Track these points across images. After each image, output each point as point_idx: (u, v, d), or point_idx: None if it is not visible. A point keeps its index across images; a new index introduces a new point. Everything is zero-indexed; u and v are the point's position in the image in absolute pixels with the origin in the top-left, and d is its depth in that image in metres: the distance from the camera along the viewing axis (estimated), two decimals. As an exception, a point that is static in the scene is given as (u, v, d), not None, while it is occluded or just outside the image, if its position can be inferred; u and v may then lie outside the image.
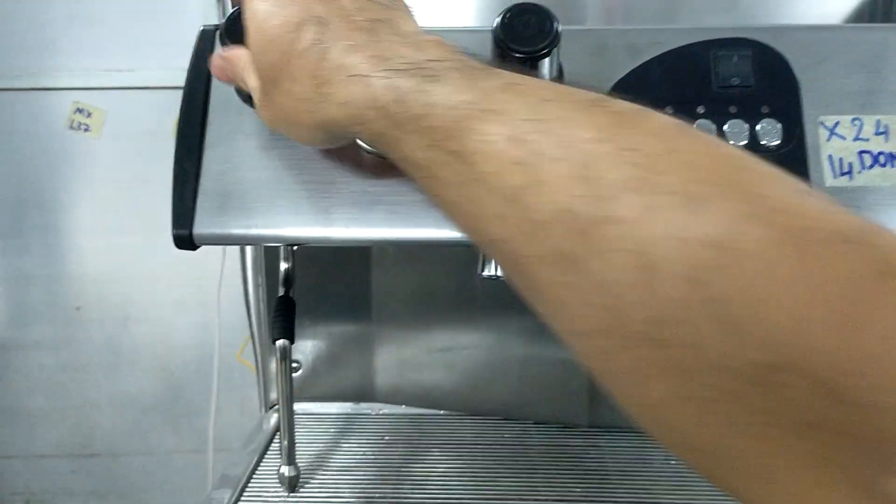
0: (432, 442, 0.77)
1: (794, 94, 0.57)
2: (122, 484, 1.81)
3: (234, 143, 0.57)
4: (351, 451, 0.76)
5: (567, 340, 0.33)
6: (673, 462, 0.73)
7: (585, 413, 0.79)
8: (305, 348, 0.83)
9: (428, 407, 0.82)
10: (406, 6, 0.47)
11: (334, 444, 0.77)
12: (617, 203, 0.30)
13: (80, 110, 1.57)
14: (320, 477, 0.72)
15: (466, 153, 0.36)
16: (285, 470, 0.68)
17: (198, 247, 0.58)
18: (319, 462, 0.74)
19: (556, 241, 0.32)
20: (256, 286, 0.79)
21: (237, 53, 0.51)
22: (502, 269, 0.37)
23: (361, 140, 0.50)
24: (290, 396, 0.66)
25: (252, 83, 0.50)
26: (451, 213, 0.38)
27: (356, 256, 0.80)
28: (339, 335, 0.83)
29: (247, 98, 0.58)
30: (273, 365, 0.78)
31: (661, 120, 0.33)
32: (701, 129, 0.35)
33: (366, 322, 0.82)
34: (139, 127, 1.48)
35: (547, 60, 0.54)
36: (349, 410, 0.83)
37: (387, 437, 0.78)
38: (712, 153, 0.31)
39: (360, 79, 0.41)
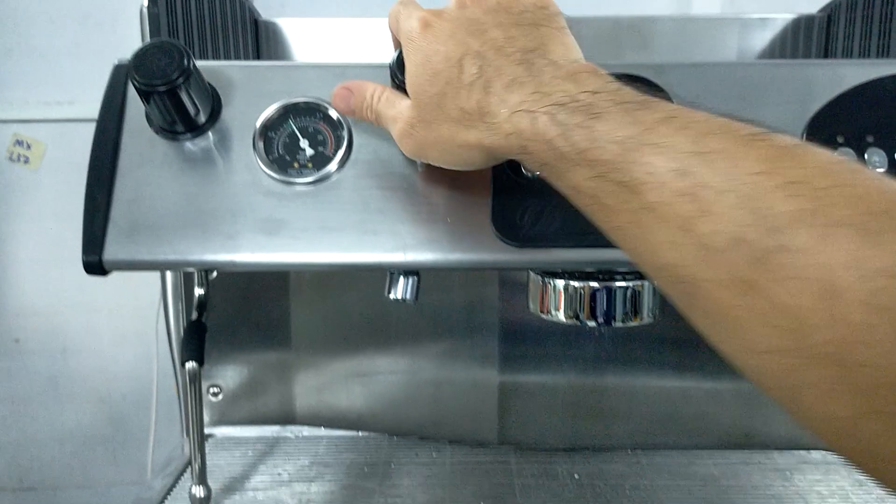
0: (350, 462, 0.79)
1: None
2: (61, 518, 1.78)
3: (144, 174, 0.60)
4: (268, 473, 0.77)
5: (741, 359, 0.36)
6: (577, 476, 0.76)
7: (495, 432, 0.82)
8: (226, 374, 0.85)
9: (347, 428, 0.85)
10: (550, 17, 0.50)
11: (252, 467, 0.79)
12: (791, 234, 0.32)
13: (19, 142, 1.58)
14: (235, 498, 0.73)
15: (633, 184, 0.38)
16: (196, 490, 0.69)
17: (108, 272, 0.59)
18: (236, 484, 0.76)
19: (733, 268, 0.34)
20: (177, 312, 0.80)
21: (364, 86, 0.56)
22: (670, 293, 0.39)
23: (525, 166, 0.54)
24: (201, 418, 0.67)
25: (391, 114, 0.54)
26: (620, 239, 0.41)
27: (275, 284, 0.82)
28: (259, 361, 0.85)
29: (159, 129, 0.61)
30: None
31: (824, 154, 0.35)
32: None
33: (285, 348, 0.84)
34: (78, 159, 1.48)
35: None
36: (270, 434, 0.85)
37: (305, 459, 0.80)
38: (880, 187, 0.33)
39: (525, 114, 0.44)
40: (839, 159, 0.35)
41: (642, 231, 0.39)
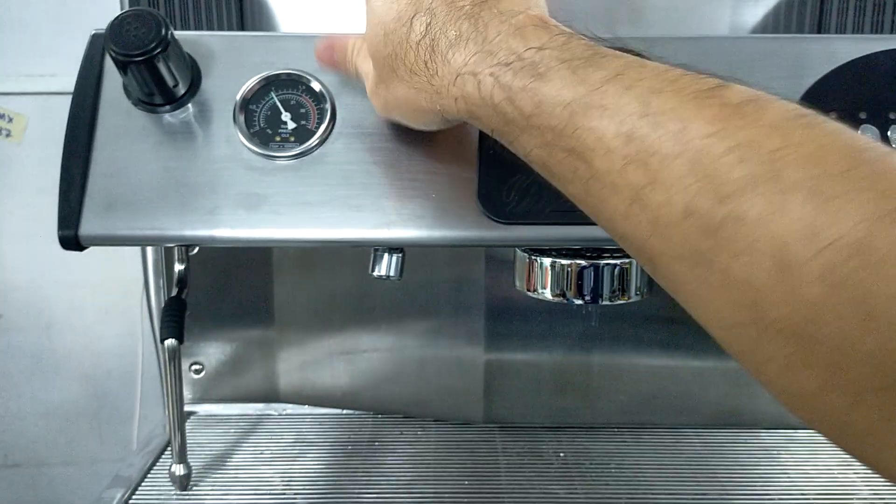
0: (333, 440, 0.78)
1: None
2: (46, 494, 1.78)
3: (121, 147, 0.58)
4: (250, 451, 0.77)
5: (709, 331, 0.34)
6: (563, 454, 0.75)
7: (480, 410, 0.81)
8: (209, 351, 0.84)
9: (331, 406, 0.84)
10: None
11: (234, 444, 0.78)
12: (742, 202, 0.30)
13: (0, 115, 1.55)
14: (216, 476, 0.72)
15: (581, 151, 0.36)
16: (176, 469, 0.68)
17: (84, 247, 0.58)
18: (218, 462, 0.75)
19: (687, 241, 0.32)
20: (158, 289, 0.79)
21: (345, 40, 0.55)
22: (639, 262, 0.37)
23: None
24: (180, 396, 0.66)
25: (365, 69, 0.52)
26: (581, 207, 0.39)
27: (258, 260, 0.81)
28: (242, 338, 0.84)
29: (137, 102, 0.59)
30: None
31: (780, 110, 0.32)
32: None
33: (269, 325, 0.83)
34: (60, 132, 1.47)
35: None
36: (253, 411, 0.84)
37: (289, 437, 0.79)
38: (839, 144, 0.30)
39: (470, 76, 0.41)
40: (795, 113, 0.32)
41: (595, 201, 0.37)
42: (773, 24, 0.98)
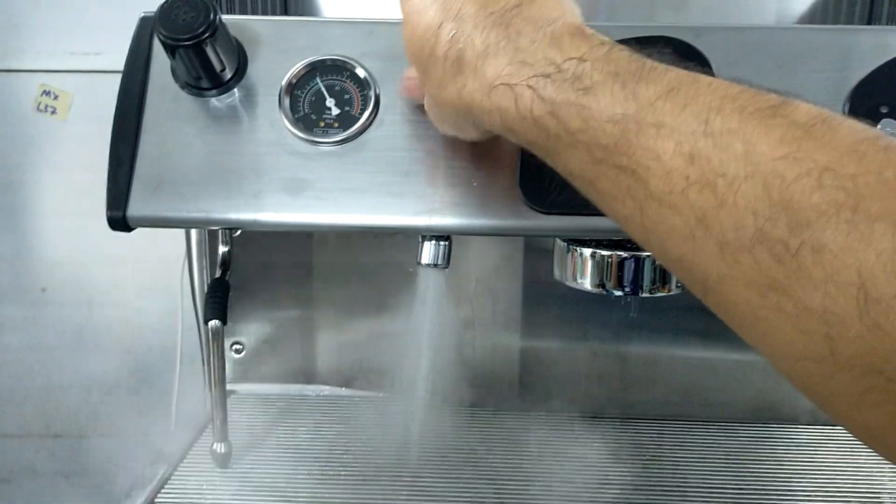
0: (371, 422, 0.79)
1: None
2: (86, 465, 1.82)
3: (169, 129, 0.59)
4: (289, 431, 0.78)
5: (775, 362, 0.33)
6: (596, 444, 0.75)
7: (516, 397, 0.82)
8: (250, 331, 0.85)
9: (368, 389, 0.85)
10: None
11: (273, 424, 0.79)
12: (823, 231, 0.29)
13: (46, 93, 1.58)
14: (254, 455, 0.74)
15: (636, 169, 0.34)
16: (217, 447, 0.70)
17: (132, 228, 0.59)
18: (257, 441, 0.76)
19: (758, 267, 0.30)
20: (201, 269, 0.80)
21: (409, 72, 0.53)
22: (687, 285, 0.35)
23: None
24: (223, 376, 0.67)
25: (418, 92, 0.51)
26: (626, 227, 0.37)
27: (299, 242, 0.82)
28: (282, 319, 0.85)
29: (185, 85, 0.60)
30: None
31: (852, 130, 0.31)
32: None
33: (309, 307, 0.84)
34: (105, 110, 1.48)
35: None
36: (291, 392, 0.85)
37: (326, 418, 0.80)
38: None
39: (505, 88, 0.39)
40: (869, 136, 0.30)
41: (650, 222, 0.35)
42: (822, 14, 0.96)
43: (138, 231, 0.60)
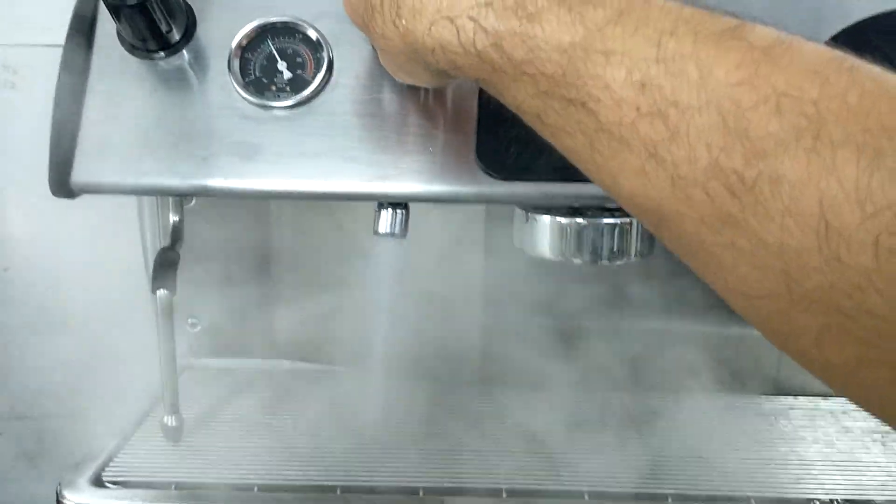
0: (331, 397, 0.78)
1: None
2: (51, 445, 1.79)
3: (115, 93, 0.57)
4: (245, 405, 0.76)
5: (730, 300, 0.31)
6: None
7: (477, 370, 0.81)
8: (205, 305, 0.83)
9: (326, 363, 0.83)
10: None
11: (229, 399, 0.78)
12: (781, 160, 0.27)
13: (5, 66, 1.54)
14: (209, 428, 0.72)
15: (586, 101, 0.32)
16: (168, 420, 0.68)
17: (76, 195, 0.57)
18: (211, 415, 0.75)
19: (712, 201, 0.29)
20: (154, 239, 0.79)
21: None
22: (642, 221, 0.34)
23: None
24: (172, 347, 0.66)
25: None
26: (577, 161, 0.36)
27: (256, 213, 0.80)
28: (239, 292, 0.83)
29: (131, 48, 0.58)
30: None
31: (814, 53, 0.29)
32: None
33: (266, 280, 0.83)
34: (65, 84, 1.45)
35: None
36: (249, 366, 0.84)
37: (284, 393, 0.79)
38: (887, 93, 0.27)
39: (446, 22, 0.37)
40: (832, 56, 0.28)
41: (601, 156, 0.33)
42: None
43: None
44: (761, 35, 0.30)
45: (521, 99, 0.36)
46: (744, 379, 0.83)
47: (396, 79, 0.50)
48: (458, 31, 0.36)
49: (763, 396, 0.82)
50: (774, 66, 0.29)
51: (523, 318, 0.81)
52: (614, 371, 0.80)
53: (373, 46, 0.52)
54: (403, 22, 0.39)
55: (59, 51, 1.66)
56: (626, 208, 0.35)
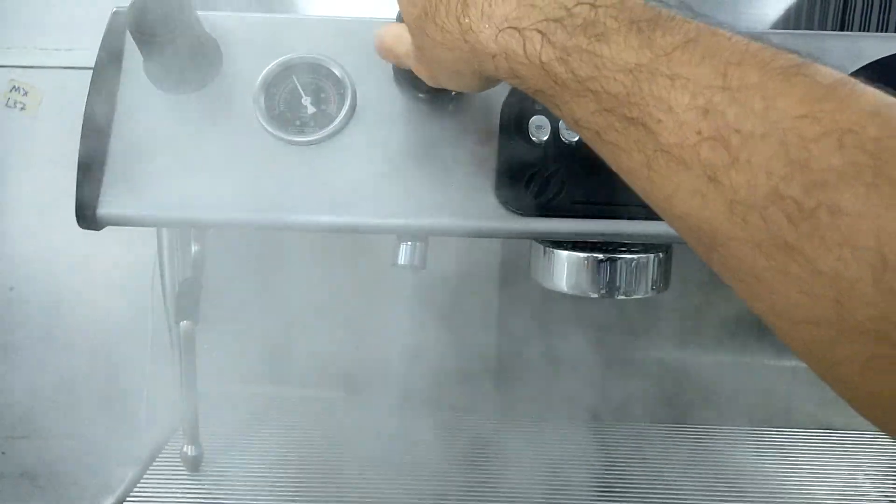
0: (347, 425, 0.78)
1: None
2: (55, 466, 1.78)
3: (141, 127, 0.58)
4: (262, 434, 0.77)
5: (775, 324, 0.32)
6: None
7: (492, 401, 0.81)
8: (224, 332, 0.84)
9: (344, 392, 0.84)
10: None
11: (246, 427, 0.78)
12: (839, 192, 0.28)
13: (15, 88, 1.55)
14: (226, 458, 0.72)
15: (647, 122, 0.33)
16: (188, 449, 0.69)
17: (102, 227, 0.58)
18: (229, 444, 0.75)
19: (769, 227, 0.30)
20: (172, 269, 0.79)
21: (384, 29, 0.51)
22: (689, 242, 0.35)
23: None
24: (194, 378, 0.66)
25: (399, 49, 0.49)
26: (631, 180, 0.36)
27: (274, 240, 0.81)
28: (256, 320, 0.84)
29: (158, 82, 0.59)
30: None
31: (876, 95, 0.30)
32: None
33: (284, 307, 0.83)
34: (75, 107, 1.46)
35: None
36: (265, 393, 0.84)
37: (300, 421, 0.79)
38: None
39: (513, 32, 0.38)
40: (894, 101, 0.29)
41: (658, 176, 0.34)
42: (795, 19, 0.96)
43: (109, 229, 0.58)
44: (825, 73, 0.31)
45: (580, 115, 0.37)
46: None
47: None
48: (524, 42, 0.38)
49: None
50: (838, 103, 0.29)
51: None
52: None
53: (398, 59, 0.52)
54: (468, 21, 0.40)
55: (70, 73, 1.67)
56: (676, 229, 0.35)
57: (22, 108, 1.57)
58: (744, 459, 0.76)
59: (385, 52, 0.52)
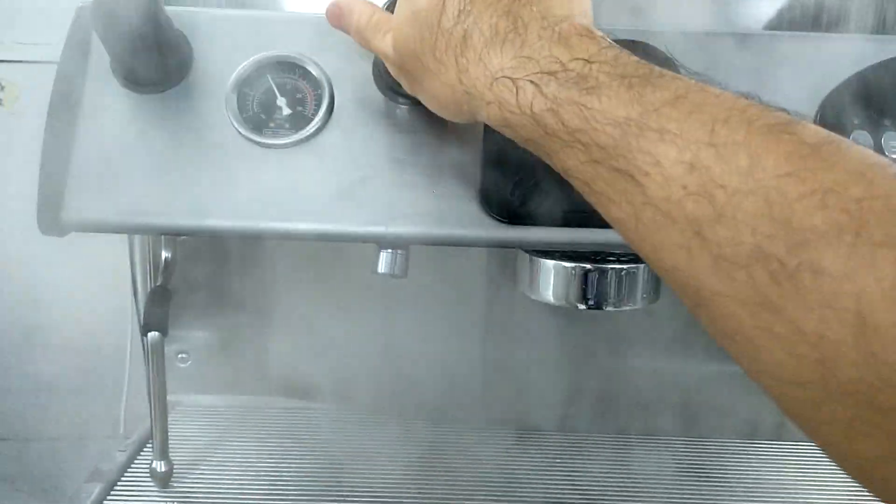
0: (325, 438, 0.76)
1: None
2: (33, 468, 1.75)
3: (107, 128, 0.55)
4: (236, 447, 0.74)
5: (763, 383, 0.31)
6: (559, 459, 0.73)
7: (475, 411, 0.79)
8: (197, 339, 0.81)
9: (323, 402, 0.81)
10: None
11: (220, 440, 0.75)
12: (821, 252, 0.28)
13: (-8, 83, 1.51)
14: (198, 472, 0.70)
15: (635, 174, 0.33)
16: (157, 465, 0.66)
17: (66, 233, 0.55)
18: (201, 458, 0.72)
19: (753, 285, 0.29)
20: (144, 274, 0.76)
21: (358, 8, 0.50)
22: (679, 295, 0.34)
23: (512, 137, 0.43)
24: (164, 391, 0.64)
25: (383, 47, 0.48)
26: (621, 230, 0.36)
27: (251, 243, 0.78)
28: (232, 326, 0.81)
29: (125, 80, 0.56)
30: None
31: (861, 155, 0.30)
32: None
33: (262, 314, 0.80)
34: (54, 102, 1.43)
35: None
36: (241, 403, 0.81)
37: (278, 433, 0.76)
38: None
39: (508, 82, 0.39)
40: (878, 161, 0.30)
41: (645, 228, 0.34)
42: (789, 18, 0.94)
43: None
44: (811, 132, 0.31)
45: (570, 165, 0.37)
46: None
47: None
48: (517, 91, 0.38)
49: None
50: (823, 163, 0.29)
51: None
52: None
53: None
54: (465, 62, 0.40)
55: (48, 68, 1.63)
56: (668, 282, 0.35)
57: (-1, 104, 1.54)
58: (736, 472, 0.74)
59: (357, 34, 0.50)
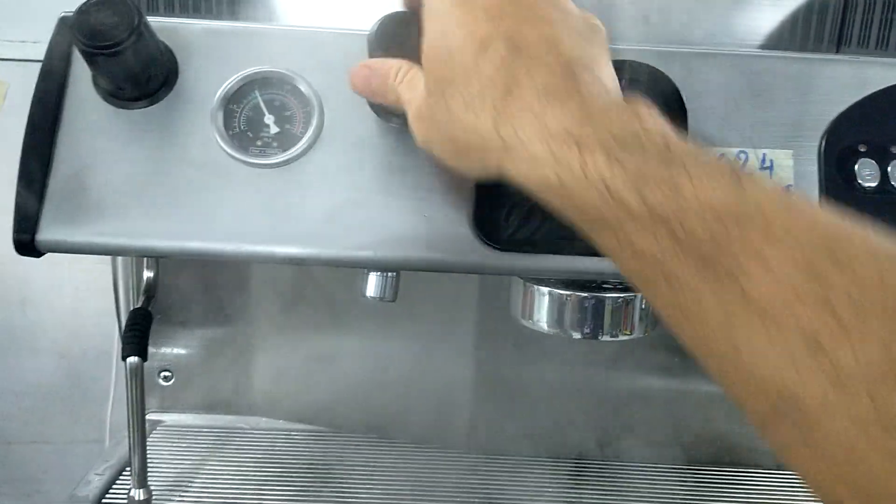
0: (309, 460, 0.74)
1: (682, 122, 0.55)
2: (17, 472, 1.74)
3: (88, 144, 0.53)
4: (218, 469, 0.72)
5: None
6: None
7: (465, 436, 0.77)
8: (179, 357, 0.79)
9: (306, 422, 0.79)
10: (601, 40, 0.40)
11: (201, 461, 0.73)
12: None
13: (-22, 81, 1.49)
14: (179, 497, 0.68)
15: (736, 274, 0.29)
16: (136, 494, 0.64)
17: (42, 253, 0.53)
18: (182, 481, 0.70)
19: (878, 406, 0.26)
20: (127, 293, 0.74)
21: (388, 65, 0.45)
22: (753, 407, 0.31)
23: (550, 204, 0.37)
24: (143, 418, 0.62)
25: (407, 96, 0.43)
26: (681, 320, 0.32)
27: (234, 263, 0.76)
28: (215, 344, 0.79)
29: (107, 95, 0.54)
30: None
31: None
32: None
33: (245, 332, 0.78)
34: (42, 102, 1.41)
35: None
36: (223, 423, 0.79)
37: (261, 455, 0.74)
38: None
39: (570, 143, 0.33)
40: None
41: (732, 328, 0.30)
42: (790, 34, 0.92)
43: None
44: None
45: (642, 245, 0.33)
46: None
47: (420, 145, 0.44)
48: (580, 153, 0.33)
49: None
50: None
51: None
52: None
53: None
54: (508, 112, 0.35)
55: (37, 66, 1.60)
56: (741, 393, 0.31)
57: (-14, 102, 1.52)
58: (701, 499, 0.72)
59: (391, 93, 0.45)
